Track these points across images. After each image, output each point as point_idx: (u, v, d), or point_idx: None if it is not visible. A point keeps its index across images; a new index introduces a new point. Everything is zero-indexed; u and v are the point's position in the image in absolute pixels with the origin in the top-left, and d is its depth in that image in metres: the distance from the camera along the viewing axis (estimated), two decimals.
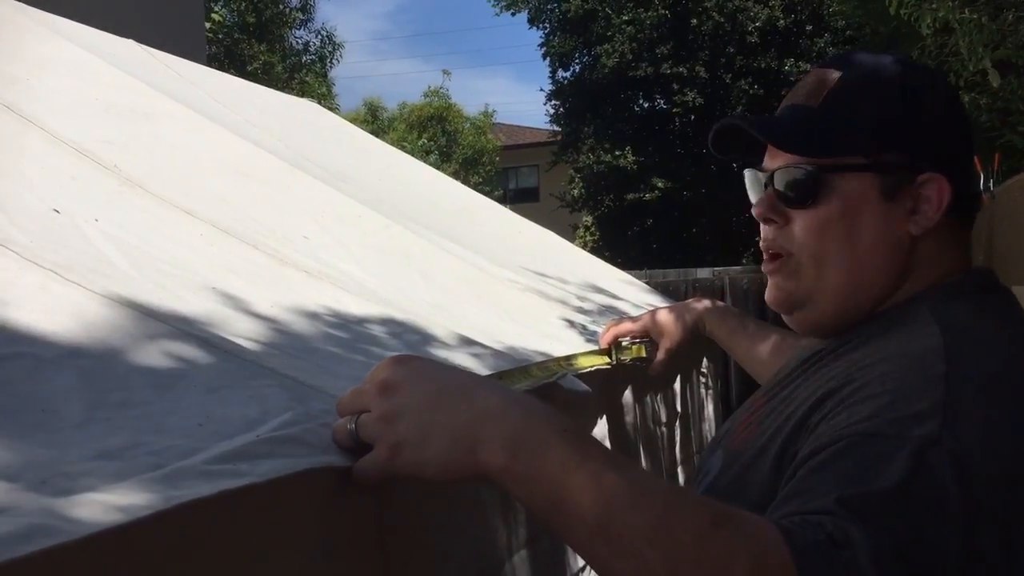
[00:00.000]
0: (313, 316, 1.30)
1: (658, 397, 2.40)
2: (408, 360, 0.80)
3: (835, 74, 0.98)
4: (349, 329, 1.30)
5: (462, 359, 1.35)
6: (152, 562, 0.60)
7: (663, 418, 2.42)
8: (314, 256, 1.65)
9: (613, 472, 0.70)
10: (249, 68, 14.98)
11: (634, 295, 3.29)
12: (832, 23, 12.72)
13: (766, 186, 1.00)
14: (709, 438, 3.15)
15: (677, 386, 2.58)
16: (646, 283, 5.77)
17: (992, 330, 0.87)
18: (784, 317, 1.03)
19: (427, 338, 1.41)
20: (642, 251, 14.54)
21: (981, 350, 0.82)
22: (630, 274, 5.95)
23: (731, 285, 5.90)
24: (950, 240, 0.95)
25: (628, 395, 2.06)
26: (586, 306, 2.56)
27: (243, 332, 1.07)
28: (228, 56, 15.06)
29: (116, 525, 0.56)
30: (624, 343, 1.73)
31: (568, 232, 18.33)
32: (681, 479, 2.64)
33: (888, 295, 0.95)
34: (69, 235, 1.19)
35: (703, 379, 3.04)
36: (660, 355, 1.68)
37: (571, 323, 2.01)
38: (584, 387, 1.42)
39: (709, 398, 3.11)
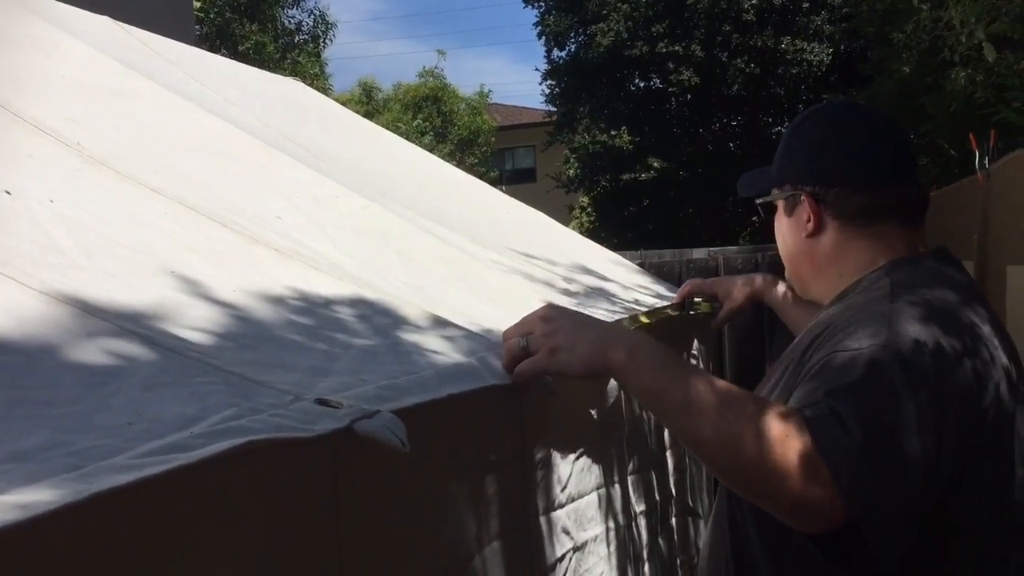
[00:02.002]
0: (278, 300, 1.24)
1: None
2: (554, 305, 1.27)
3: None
4: (315, 314, 1.25)
5: (434, 342, 1.30)
6: (64, 560, 0.55)
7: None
8: (286, 235, 1.60)
9: (692, 374, 1.07)
10: (241, 48, 14.81)
11: (624, 276, 3.23)
12: (829, 0, 12.60)
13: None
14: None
15: None
16: (639, 264, 5.73)
17: (926, 281, 1.20)
18: None
19: (398, 320, 1.36)
20: (638, 231, 14.46)
21: (915, 293, 1.16)
22: (625, 255, 5.90)
23: (725, 265, 5.84)
24: (856, 234, 1.30)
25: (613, 384, 2.01)
26: (572, 287, 2.51)
27: (196, 321, 1.02)
28: (220, 36, 14.89)
29: (13, 522, 0.51)
30: (697, 300, 2.09)
31: (564, 213, 18.25)
32: (670, 464, 2.60)
33: (830, 278, 1.34)
34: (16, 220, 1.13)
35: (694, 360, 3.00)
36: (722, 313, 2.05)
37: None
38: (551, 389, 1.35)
39: None
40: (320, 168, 2.31)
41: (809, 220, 1.32)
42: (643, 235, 14.29)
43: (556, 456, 1.63)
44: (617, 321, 1.85)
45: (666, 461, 2.55)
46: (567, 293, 2.42)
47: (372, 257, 1.78)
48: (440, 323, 1.42)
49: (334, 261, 1.58)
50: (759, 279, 2.00)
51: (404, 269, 1.77)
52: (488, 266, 2.15)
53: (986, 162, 3.19)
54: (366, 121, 3.94)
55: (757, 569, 1.24)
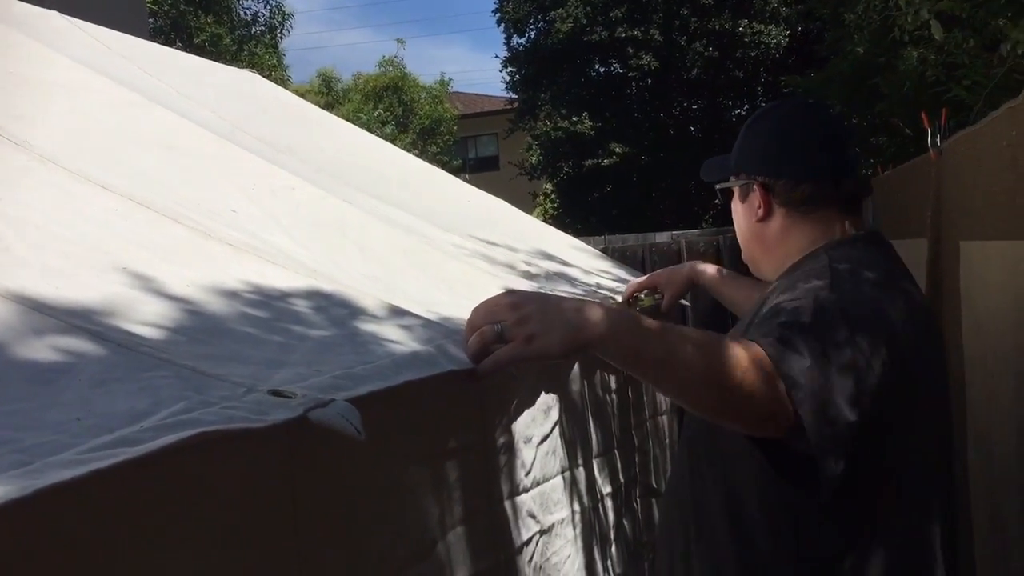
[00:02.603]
0: (232, 294, 1.24)
1: (607, 366, 2.38)
2: (514, 291, 1.24)
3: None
4: (270, 307, 1.24)
5: (391, 331, 1.30)
6: (13, 554, 0.55)
7: (612, 385, 2.39)
8: (241, 229, 1.59)
9: (665, 329, 1.14)
10: (196, 41, 14.56)
11: (585, 261, 3.25)
12: None
13: None
14: (661, 402, 3.14)
15: None
16: (602, 249, 5.76)
17: (860, 257, 1.36)
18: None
19: (355, 311, 1.36)
20: (602, 217, 14.47)
21: (851, 263, 1.33)
22: (590, 240, 5.94)
23: (687, 248, 5.90)
24: (800, 220, 1.45)
25: (576, 368, 2.03)
26: (533, 270, 2.52)
27: (148, 317, 1.01)
28: (174, 28, 14.65)
29: None
30: (641, 296, 2.26)
31: (528, 200, 18.24)
32: (635, 443, 2.63)
33: (778, 257, 1.49)
34: None
35: None
36: (667, 300, 2.18)
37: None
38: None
39: None
40: (275, 159, 2.30)
41: (760, 206, 1.48)
42: (607, 221, 14.30)
43: (519, 441, 1.64)
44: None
45: (631, 441, 2.58)
46: (528, 276, 2.43)
47: (328, 248, 1.77)
48: (397, 312, 1.42)
49: (289, 253, 1.57)
50: (688, 265, 2.18)
51: (361, 259, 1.76)
52: (447, 253, 2.15)
53: (938, 140, 3.24)
54: (323, 112, 3.91)
55: (716, 516, 1.38)
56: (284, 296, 1.31)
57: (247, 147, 2.24)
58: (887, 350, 1.20)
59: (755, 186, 1.48)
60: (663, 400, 3.10)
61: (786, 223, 1.47)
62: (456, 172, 20.39)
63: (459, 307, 1.64)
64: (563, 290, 2.42)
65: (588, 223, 14.42)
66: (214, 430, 0.70)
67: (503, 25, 15.94)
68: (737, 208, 1.56)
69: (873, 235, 1.48)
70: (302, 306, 1.29)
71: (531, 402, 1.71)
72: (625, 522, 2.37)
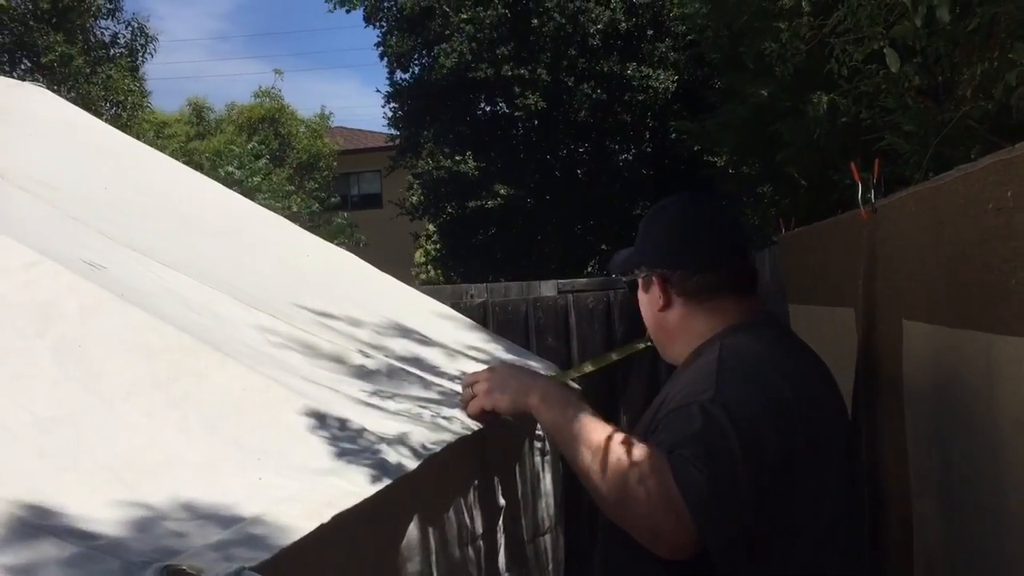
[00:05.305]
0: None
1: (474, 498, 1.71)
2: (495, 366, 1.74)
3: None
4: None
5: None
6: None
7: (479, 526, 1.72)
8: None
9: (586, 416, 1.39)
10: (44, 60, 13.26)
11: (450, 335, 2.58)
12: (673, 27, 12.50)
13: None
14: (550, 515, 2.49)
15: (500, 475, 1.90)
16: (481, 303, 5.11)
17: (751, 345, 1.48)
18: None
19: None
20: (485, 260, 13.93)
21: (740, 356, 1.44)
22: (471, 289, 5.28)
23: (575, 304, 5.31)
24: (697, 308, 1.56)
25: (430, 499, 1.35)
26: (371, 364, 1.83)
27: None
28: (19, 46, 13.26)
29: None
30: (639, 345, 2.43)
31: (410, 241, 17.57)
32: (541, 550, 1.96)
33: (683, 342, 1.58)
34: None
35: (539, 444, 2.38)
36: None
37: (320, 420, 1.26)
38: None
39: (547, 466, 2.44)
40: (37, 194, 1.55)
41: (660, 297, 1.58)
42: (491, 264, 13.79)
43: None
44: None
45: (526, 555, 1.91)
46: (362, 375, 1.74)
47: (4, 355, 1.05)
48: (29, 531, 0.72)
49: None
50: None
51: (44, 391, 1.04)
52: (234, 350, 1.44)
53: (871, 195, 2.71)
54: (127, 138, 3.13)
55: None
56: None
57: None
58: (777, 429, 1.32)
59: (654, 278, 1.59)
60: (548, 514, 2.45)
61: (684, 311, 1.57)
62: (335, 209, 19.59)
63: (185, 484, 0.93)
64: (414, 394, 1.75)
65: (471, 266, 13.88)
66: None
67: (386, 59, 15.30)
68: (642, 298, 1.66)
69: (769, 319, 1.65)
70: None
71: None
72: None
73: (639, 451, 1.27)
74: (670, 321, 1.58)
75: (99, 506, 0.82)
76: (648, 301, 1.62)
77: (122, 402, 1.07)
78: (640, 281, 1.63)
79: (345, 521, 1.00)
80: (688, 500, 1.20)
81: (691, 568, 1.28)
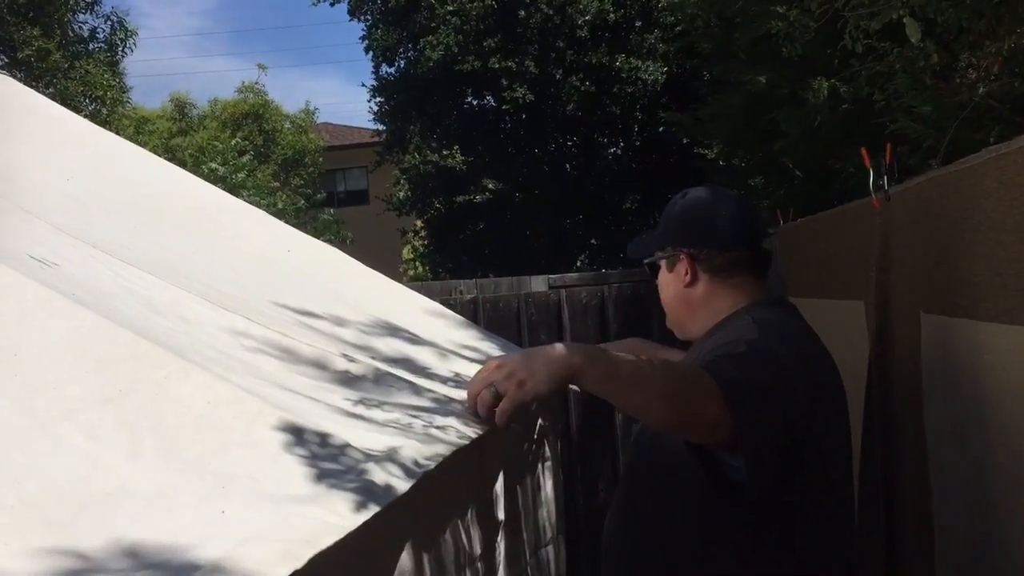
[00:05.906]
0: None
1: (471, 515, 1.56)
2: (499, 357, 1.77)
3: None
4: None
5: None
6: None
7: (477, 546, 1.57)
8: None
9: (631, 359, 1.45)
10: (20, 55, 13.00)
11: (442, 334, 2.42)
12: (661, 18, 12.33)
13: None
14: (551, 524, 2.34)
15: (499, 487, 1.75)
16: (472, 299, 4.96)
17: (779, 316, 1.67)
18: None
19: None
20: (474, 255, 13.75)
21: (771, 323, 1.60)
22: (460, 284, 5.12)
23: (568, 300, 5.15)
24: (721, 285, 1.71)
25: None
26: (356, 368, 1.68)
27: None
28: None
29: None
30: None
31: (397, 237, 17.38)
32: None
33: (704, 318, 1.72)
34: None
35: (544, 449, 2.23)
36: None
37: (298, 436, 1.10)
38: None
39: (547, 473, 2.29)
40: None
41: (687, 274, 1.72)
42: (480, 259, 13.62)
43: None
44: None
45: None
46: (345, 381, 1.59)
47: None
48: None
49: None
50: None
51: None
52: (203, 356, 1.28)
53: (882, 182, 2.56)
54: (98, 129, 2.95)
55: (654, 550, 1.57)
56: None
57: None
58: (805, 385, 1.48)
59: (682, 256, 1.73)
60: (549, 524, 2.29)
61: (709, 288, 1.72)
62: (320, 205, 19.36)
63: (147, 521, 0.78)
64: (403, 402, 1.60)
65: (459, 261, 13.72)
66: None
67: (371, 53, 15.08)
68: (665, 278, 1.79)
69: (783, 299, 1.86)
70: None
71: None
72: None
73: (689, 369, 1.48)
74: (694, 297, 1.72)
75: (16, 556, 0.67)
76: (672, 279, 1.75)
77: (62, 421, 0.91)
78: (664, 262, 1.78)
79: (326, 557, 0.85)
80: (724, 390, 1.33)
81: (712, 523, 1.46)
